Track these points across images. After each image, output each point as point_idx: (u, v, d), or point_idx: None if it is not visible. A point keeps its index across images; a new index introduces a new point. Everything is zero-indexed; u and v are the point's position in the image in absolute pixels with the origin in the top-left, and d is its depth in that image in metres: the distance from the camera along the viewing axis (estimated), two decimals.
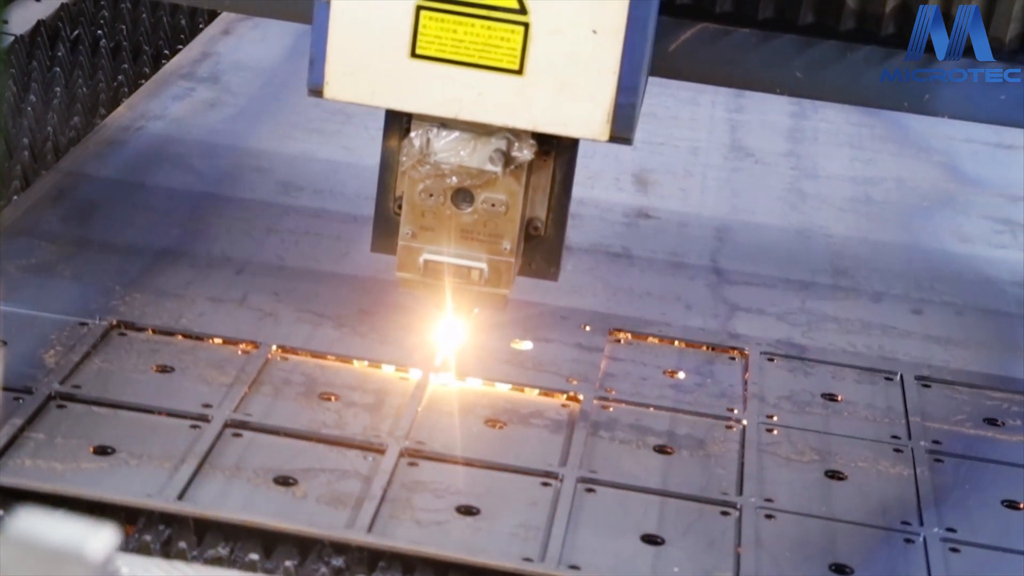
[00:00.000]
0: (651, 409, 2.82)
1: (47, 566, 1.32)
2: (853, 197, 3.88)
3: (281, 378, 2.79)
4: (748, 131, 4.24)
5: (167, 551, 2.33)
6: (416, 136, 2.55)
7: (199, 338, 2.88)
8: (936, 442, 2.81)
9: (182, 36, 4.34)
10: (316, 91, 2.51)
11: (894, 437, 2.82)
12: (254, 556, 2.32)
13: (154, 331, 2.88)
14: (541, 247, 2.74)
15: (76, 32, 3.92)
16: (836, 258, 3.55)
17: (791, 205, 3.81)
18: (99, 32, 4.01)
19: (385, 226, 2.72)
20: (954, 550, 2.51)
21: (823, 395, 2.94)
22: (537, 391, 2.84)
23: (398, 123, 2.62)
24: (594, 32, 2.42)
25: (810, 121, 4.33)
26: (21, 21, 3.75)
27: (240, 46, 4.41)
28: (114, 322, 2.88)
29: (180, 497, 2.40)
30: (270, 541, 2.34)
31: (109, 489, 2.39)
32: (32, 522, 1.33)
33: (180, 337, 2.87)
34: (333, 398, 2.74)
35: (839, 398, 2.94)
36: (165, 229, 3.30)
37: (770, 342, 3.11)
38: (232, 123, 3.93)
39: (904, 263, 3.55)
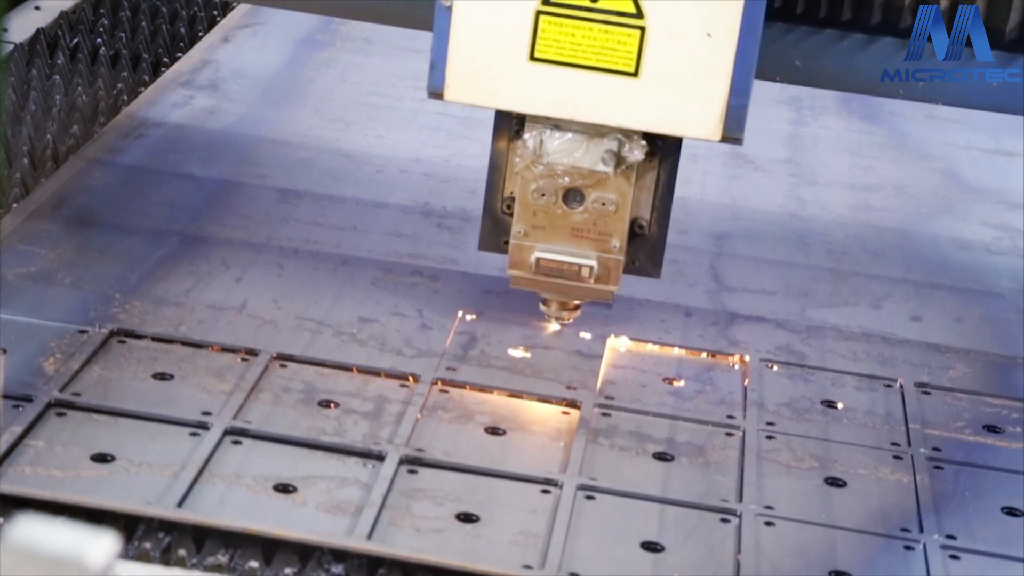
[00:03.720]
0: (651, 416, 2.82)
1: (47, 573, 1.32)
2: (852, 204, 3.88)
3: (280, 385, 2.79)
4: (747, 138, 4.21)
5: (166, 559, 2.33)
6: (530, 137, 2.65)
7: (198, 346, 2.87)
8: (936, 449, 2.81)
9: (181, 44, 4.34)
10: (436, 94, 2.61)
11: (894, 444, 2.82)
12: (254, 564, 2.32)
13: (153, 339, 2.88)
14: (645, 246, 2.85)
15: (75, 40, 3.92)
16: (835, 265, 3.54)
17: (790, 212, 3.81)
18: (98, 40, 4.02)
19: (493, 225, 2.82)
20: (954, 557, 2.51)
21: (823, 402, 2.94)
22: (537, 398, 2.84)
23: (507, 125, 2.71)
24: (708, 35, 2.49)
25: (809, 128, 4.33)
26: (21, 29, 3.76)
27: (239, 54, 4.41)
28: (114, 330, 2.88)
29: (180, 505, 2.40)
30: (270, 548, 2.34)
31: (109, 497, 2.39)
32: (32, 529, 1.33)
33: (179, 345, 2.87)
34: (332, 405, 2.74)
35: (839, 405, 2.94)
36: (164, 237, 3.30)
37: (770, 349, 3.11)
38: (231, 131, 3.92)
39: (903, 270, 3.55)
